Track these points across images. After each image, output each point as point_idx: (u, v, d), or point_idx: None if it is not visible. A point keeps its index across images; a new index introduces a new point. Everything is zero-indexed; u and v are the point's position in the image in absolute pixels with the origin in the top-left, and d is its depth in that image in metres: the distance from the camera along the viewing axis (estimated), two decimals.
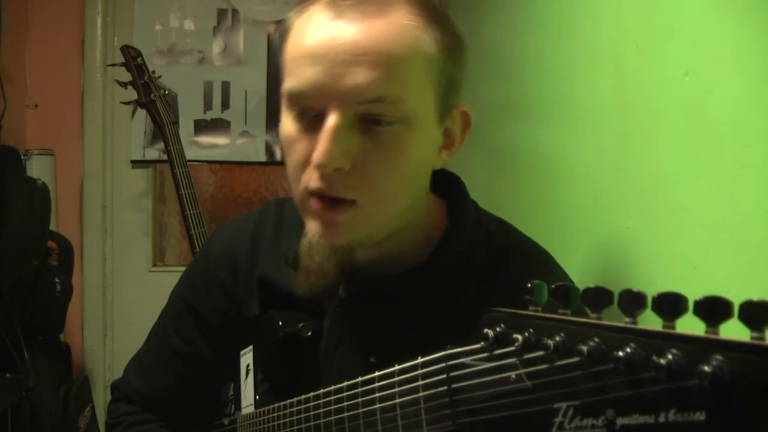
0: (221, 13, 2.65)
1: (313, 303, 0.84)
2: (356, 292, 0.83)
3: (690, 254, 0.88)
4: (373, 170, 0.71)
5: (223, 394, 1.04)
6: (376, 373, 0.62)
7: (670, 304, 0.35)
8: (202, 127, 2.64)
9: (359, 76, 0.67)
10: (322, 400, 0.71)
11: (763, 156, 0.75)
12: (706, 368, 0.31)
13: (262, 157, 2.67)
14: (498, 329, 0.45)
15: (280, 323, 0.86)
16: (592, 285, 0.39)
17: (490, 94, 1.82)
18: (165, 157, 2.20)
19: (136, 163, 2.63)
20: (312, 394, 0.73)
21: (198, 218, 2.14)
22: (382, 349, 0.74)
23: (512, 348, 0.44)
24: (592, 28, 1.21)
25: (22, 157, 2.24)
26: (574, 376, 0.38)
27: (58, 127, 2.54)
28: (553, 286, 0.43)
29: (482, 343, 0.47)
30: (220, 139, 2.65)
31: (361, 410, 0.63)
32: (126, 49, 2.21)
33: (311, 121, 0.71)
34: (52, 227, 2.10)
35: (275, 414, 0.82)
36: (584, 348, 0.37)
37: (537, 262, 0.83)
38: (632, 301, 0.37)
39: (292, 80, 0.71)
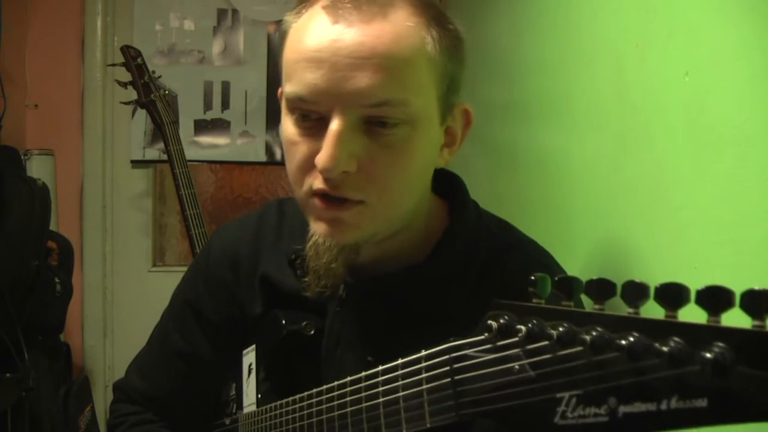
0: (221, 13, 2.65)
1: (314, 302, 0.84)
2: (357, 291, 0.83)
3: (690, 254, 0.88)
4: (380, 172, 0.70)
5: (225, 393, 1.05)
6: (380, 368, 0.62)
7: (673, 294, 0.35)
8: (202, 127, 2.64)
9: (363, 80, 0.67)
10: (324, 396, 0.71)
11: (763, 156, 0.75)
12: (708, 355, 0.31)
13: (262, 157, 2.67)
14: (501, 321, 0.46)
15: (283, 322, 0.86)
16: (595, 277, 0.40)
17: (490, 94, 1.82)
18: (165, 157, 2.20)
19: (136, 163, 2.63)
20: (314, 390, 0.73)
21: (198, 218, 2.14)
22: (381, 348, 0.75)
23: (515, 339, 0.44)
24: (592, 28, 1.21)
25: (22, 157, 2.24)
26: (576, 366, 0.39)
27: (58, 127, 2.54)
28: (556, 278, 0.43)
29: (486, 334, 0.47)
30: (220, 139, 2.65)
31: (364, 405, 0.63)
32: (126, 49, 2.21)
33: (313, 124, 0.71)
34: (52, 227, 2.10)
35: (277, 412, 0.82)
36: (587, 337, 0.37)
37: (536, 260, 0.84)
38: (635, 292, 0.37)
39: (294, 85, 0.70)
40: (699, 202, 0.87)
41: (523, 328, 0.43)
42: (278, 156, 2.66)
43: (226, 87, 2.65)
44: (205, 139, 2.65)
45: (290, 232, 0.92)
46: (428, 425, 0.55)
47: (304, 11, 0.74)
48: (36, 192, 1.90)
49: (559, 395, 0.39)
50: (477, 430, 0.54)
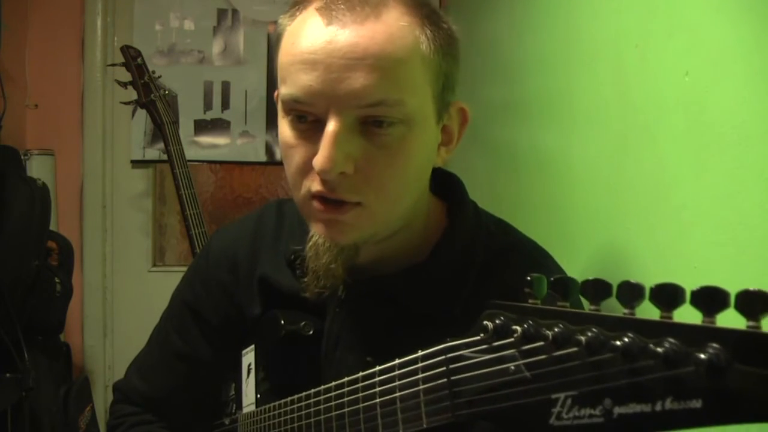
0: (221, 13, 2.65)
1: (313, 303, 0.84)
2: (356, 291, 0.83)
3: (690, 254, 0.88)
4: (377, 172, 0.70)
5: (224, 393, 1.05)
6: (377, 368, 0.62)
7: (668, 295, 0.35)
8: (202, 127, 2.64)
9: (358, 81, 0.67)
10: (322, 397, 0.71)
11: (763, 156, 0.75)
12: (703, 356, 0.31)
13: (262, 157, 2.67)
14: (497, 321, 0.46)
15: (282, 322, 0.86)
16: (591, 278, 0.40)
17: (490, 94, 1.82)
18: (165, 157, 2.20)
19: (136, 163, 2.63)
20: (312, 390, 0.73)
21: (198, 218, 2.14)
22: (380, 348, 0.75)
23: (511, 339, 0.44)
24: (592, 28, 1.21)
25: (22, 157, 2.24)
26: (572, 367, 0.39)
27: (58, 127, 2.54)
28: (552, 279, 0.43)
29: (481, 335, 0.47)
30: (220, 139, 2.65)
31: (361, 405, 0.64)
32: (126, 49, 2.21)
33: (309, 126, 0.71)
34: (52, 227, 2.10)
35: (276, 412, 0.83)
36: (582, 338, 0.37)
37: (535, 260, 0.84)
38: (630, 292, 0.37)
39: (289, 87, 0.71)
40: (699, 202, 0.87)
41: (518, 328, 0.43)
42: (278, 156, 2.65)
43: (226, 87, 2.65)
44: (205, 139, 2.65)
45: (289, 232, 0.92)
46: (425, 425, 0.55)
47: (297, 13, 0.74)
48: (36, 192, 1.90)
49: (554, 396, 0.40)
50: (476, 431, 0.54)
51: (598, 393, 0.37)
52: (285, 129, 0.74)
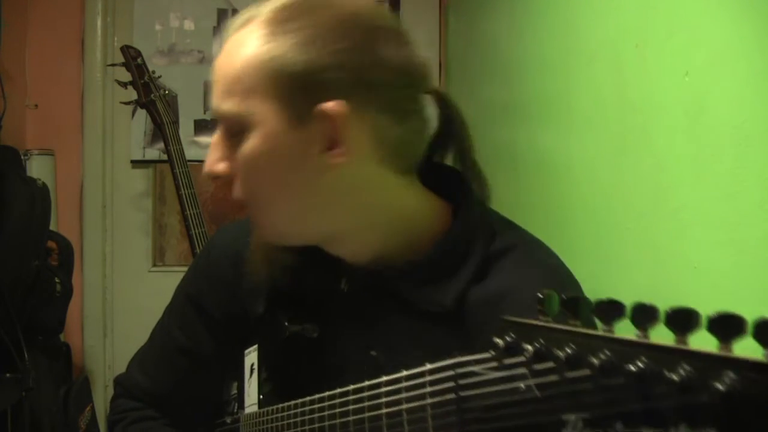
0: (221, 13, 2.65)
1: (317, 300, 0.85)
2: (358, 285, 0.83)
3: (690, 254, 0.88)
4: (242, 177, 0.77)
5: (226, 392, 1.05)
6: (383, 378, 0.62)
7: (683, 319, 0.35)
8: (202, 127, 2.64)
9: (213, 98, 0.78)
10: (327, 403, 0.71)
11: (763, 156, 0.75)
12: (719, 385, 0.31)
13: None
14: (508, 339, 0.45)
15: (286, 323, 0.86)
16: (605, 298, 0.39)
17: (490, 94, 1.82)
18: (165, 157, 2.20)
19: (136, 163, 2.63)
20: (317, 396, 0.73)
21: (198, 218, 2.14)
22: (383, 342, 0.75)
23: (522, 358, 0.44)
24: (592, 28, 1.21)
25: (22, 157, 2.24)
26: (584, 389, 0.38)
27: (58, 127, 2.54)
28: (563, 297, 0.43)
29: (491, 352, 0.47)
30: None
31: (366, 414, 0.63)
32: (126, 49, 2.21)
33: None
34: (52, 227, 2.10)
35: (278, 415, 0.82)
36: (595, 361, 0.37)
37: (537, 259, 0.83)
38: (644, 315, 0.37)
39: None
40: (698, 202, 0.87)
41: (530, 347, 0.43)
42: None
43: None
44: (205, 139, 2.64)
45: None
46: None
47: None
48: (36, 192, 1.91)
49: (565, 417, 0.39)
50: None
51: (609, 417, 0.37)
52: None
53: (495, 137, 1.77)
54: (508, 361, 0.45)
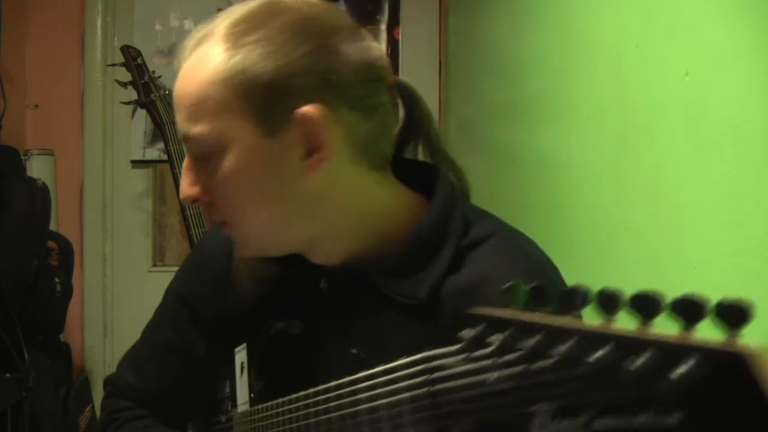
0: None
1: (302, 297, 0.85)
2: (337, 283, 0.84)
3: (690, 254, 0.88)
4: (219, 197, 0.76)
5: (220, 391, 1.05)
6: (362, 374, 0.62)
7: (646, 304, 0.35)
8: None
9: (179, 122, 0.76)
10: (311, 400, 0.71)
11: (763, 156, 0.75)
12: (682, 369, 0.31)
13: None
14: (475, 331, 0.45)
15: (270, 321, 0.87)
16: (572, 283, 0.39)
17: (490, 94, 1.82)
18: (165, 157, 2.21)
19: (136, 163, 2.63)
20: (302, 393, 0.73)
21: (198, 218, 2.14)
22: (363, 338, 0.76)
23: (490, 350, 0.44)
24: (592, 28, 1.21)
25: (22, 157, 2.24)
26: (550, 378, 0.38)
27: (58, 127, 2.54)
28: (530, 287, 0.43)
29: (460, 345, 0.47)
30: None
31: (347, 410, 0.64)
32: (126, 49, 2.21)
33: None
34: (52, 227, 2.10)
35: (267, 413, 0.83)
36: (559, 350, 0.37)
37: (511, 249, 0.82)
38: (608, 301, 0.37)
39: None
40: (699, 202, 0.87)
41: (497, 339, 0.43)
42: None
43: None
44: None
45: None
46: None
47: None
48: (36, 192, 1.91)
49: (533, 408, 0.39)
50: None
51: (577, 406, 0.37)
52: None
53: (495, 137, 1.77)
54: (475, 353, 0.45)
